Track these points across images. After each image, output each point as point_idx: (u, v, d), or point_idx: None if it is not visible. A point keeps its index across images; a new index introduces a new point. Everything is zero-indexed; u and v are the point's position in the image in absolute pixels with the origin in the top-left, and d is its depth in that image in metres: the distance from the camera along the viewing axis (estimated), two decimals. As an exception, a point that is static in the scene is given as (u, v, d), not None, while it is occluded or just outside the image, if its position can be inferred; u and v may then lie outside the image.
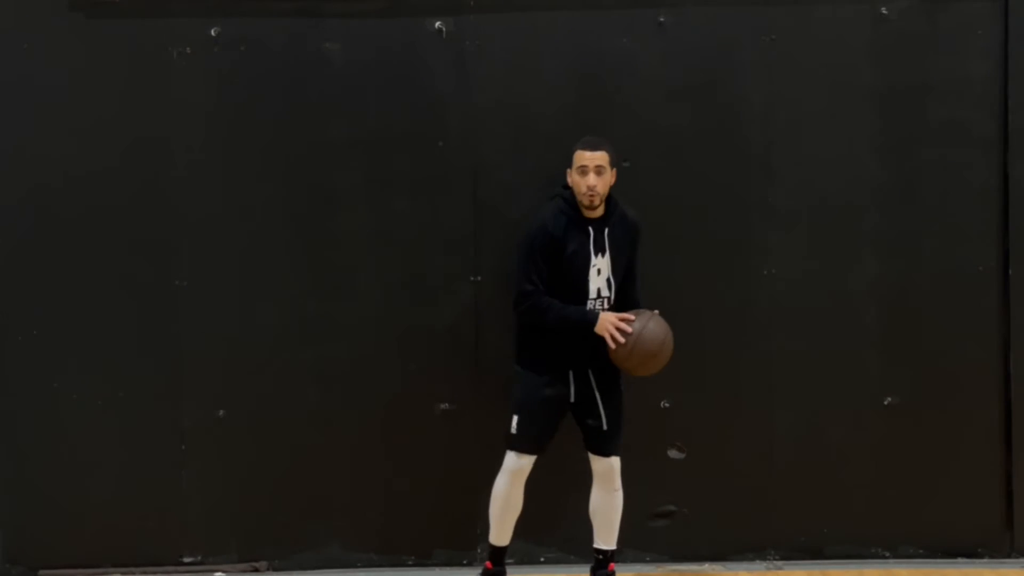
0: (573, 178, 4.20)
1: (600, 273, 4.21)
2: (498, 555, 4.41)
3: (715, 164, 4.70)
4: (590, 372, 4.24)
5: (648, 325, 4.11)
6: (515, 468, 4.24)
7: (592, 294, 4.20)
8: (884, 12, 4.68)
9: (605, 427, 4.24)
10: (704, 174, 4.70)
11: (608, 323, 4.10)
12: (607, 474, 4.29)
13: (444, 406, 4.70)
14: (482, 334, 4.66)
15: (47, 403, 4.69)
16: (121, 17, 4.66)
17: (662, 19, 4.68)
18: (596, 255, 4.20)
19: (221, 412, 4.70)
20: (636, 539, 4.73)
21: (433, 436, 4.69)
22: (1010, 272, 4.70)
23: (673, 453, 4.75)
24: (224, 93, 4.67)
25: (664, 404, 4.72)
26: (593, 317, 4.13)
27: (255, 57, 4.67)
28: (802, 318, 4.71)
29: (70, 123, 4.66)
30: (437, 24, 4.67)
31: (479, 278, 4.68)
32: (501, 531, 4.36)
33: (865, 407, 4.72)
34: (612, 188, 4.23)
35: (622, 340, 4.07)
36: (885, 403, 4.72)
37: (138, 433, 4.70)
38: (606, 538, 4.36)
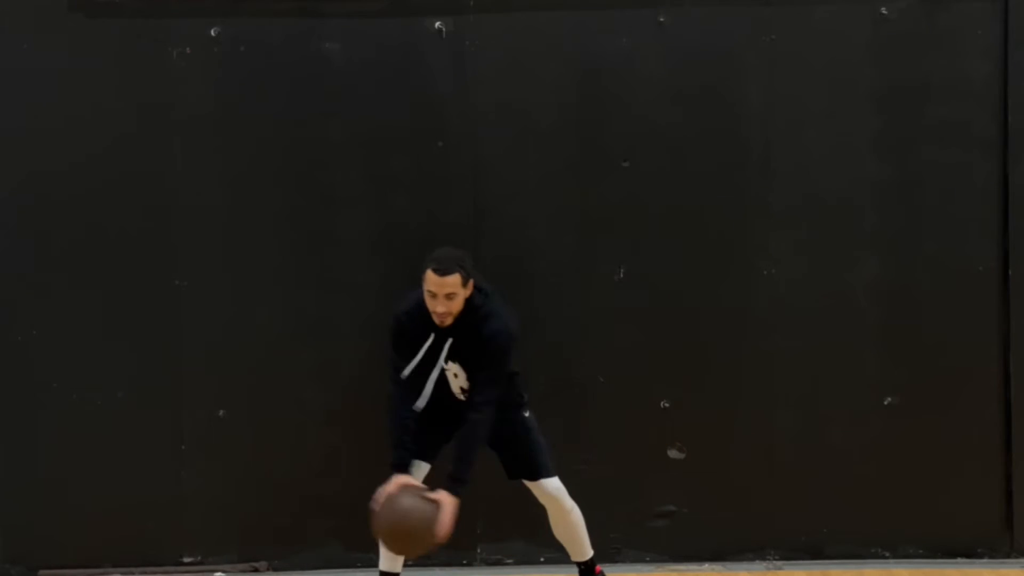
0: (426, 298, 3.87)
1: (457, 376, 3.99)
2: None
3: (715, 164, 4.70)
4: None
5: (403, 503, 3.78)
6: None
7: (457, 393, 4.01)
8: (884, 12, 4.68)
9: (506, 468, 4.10)
10: (704, 174, 4.70)
11: (386, 488, 3.86)
12: (546, 498, 4.11)
13: (444, 406, 4.70)
14: (482, 334, 4.66)
15: (47, 403, 4.69)
16: (121, 17, 4.66)
17: (662, 19, 4.68)
18: (447, 361, 3.95)
19: (221, 412, 4.70)
20: (636, 539, 4.73)
21: (433, 436, 4.69)
22: (1010, 272, 4.70)
23: (673, 453, 4.75)
24: (224, 93, 4.68)
25: (664, 404, 4.72)
26: (395, 466, 3.92)
27: (255, 57, 4.67)
28: (802, 318, 4.71)
29: (70, 123, 4.66)
30: (437, 24, 4.67)
31: (479, 278, 4.68)
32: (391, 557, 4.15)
33: (865, 407, 4.72)
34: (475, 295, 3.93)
35: (381, 503, 3.83)
36: (885, 403, 4.72)
37: (138, 433, 4.70)
38: (578, 553, 4.24)
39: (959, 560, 4.73)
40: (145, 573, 4.71)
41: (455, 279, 3.81)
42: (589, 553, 4.25)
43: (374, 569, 4.72)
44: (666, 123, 4.69)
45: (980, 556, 4.74)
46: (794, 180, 4.70)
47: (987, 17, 4.68)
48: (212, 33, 4.66)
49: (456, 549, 4.72)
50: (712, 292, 4.71)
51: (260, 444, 4.71)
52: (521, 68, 4.69)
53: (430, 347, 3.93)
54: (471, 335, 3.90)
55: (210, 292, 4.69)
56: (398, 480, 3.89)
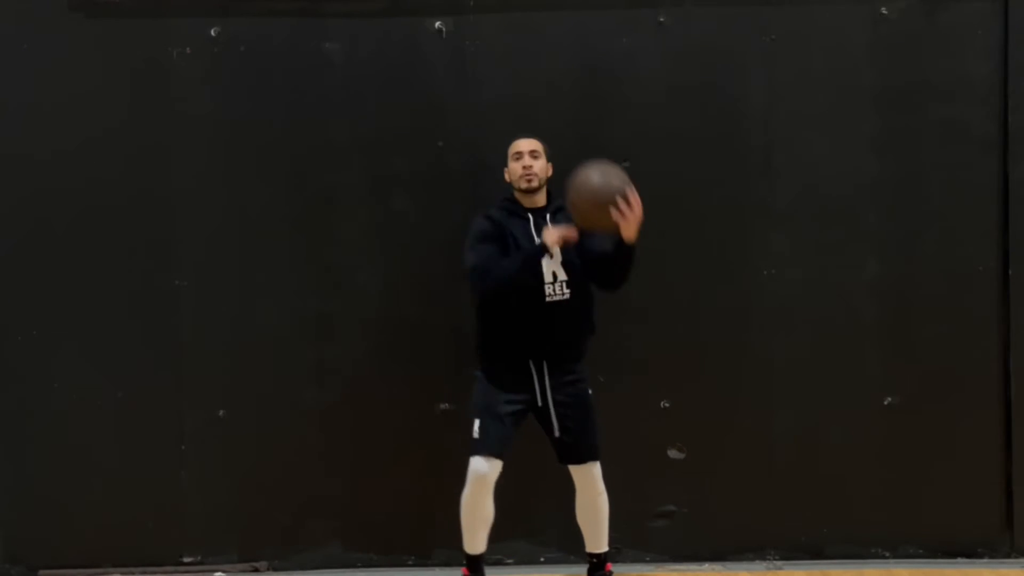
0: (510, 168, 4.23)
1: (553, 257, 4.10)
2: (474, 563, 4.28)
3: (715, 164, 4.70)
4: (547, 380, 4.14)
5: (589, 175, 3.94)
6: (476, 474, 4.09)
7: (548, 278, 4.10)
8: (884, 12, 4.68)
9: (557, 434, 4.16)
10: (704, 174, 4.70)
11: (553, 233, 4.03)
12: (584, 480, 4.20)
13: (444, 406, 4.70)
14: (482, 334, 4.65)
15: (47, 403, 4.69)
16: (121, 17, 4.66)
17: (662, 19, 4.68)
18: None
19: (221, 412, 4.71)
20: (636, 539, 4.73)
21: (433, 436, 4.69)
22: (1010, 272, 4.70)
23: (673, 453, 4.75)
24: (224, 93, 4.68)
25: (664, 404, 4.72)
26: (538, 245, 4.06)
27: (255, 57, 4.67)
28: (802, 318, 4.71)
29: (70, 123, 4.66)
30: (437, 24, 4.67)
31: (479, 278, 4.67)
32: (472, 539, 4.22)
33: (865, 407, 4.72)
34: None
35: (574, 233, 4.01)
36: (885, 403, 4.72)
37: (138, 433, 4.70)
38: (596, 543, 4.30)
39: (959, 560, 4.73)
40: (145, 573, 4.71)
41: (536, 141, 4.23)
42: (606, 546, 4.30)
43: (374, 569, 4.74)
44: (666, 123, 4.69)
45: (980, 556, 4.74)
46: (794, 180, 4.70)
47: (987, 17, 4.68)
48: (212, 33, 4.66)
49: (456, 549, 4.71)
50: (712, 292, 4.71)
51: (260, 444, 4.71)
52: (521, 68, 4.69)
53: (525, 231, 4.14)
54: (563, 217, 4.14)
55: (210, 292, 4.69)
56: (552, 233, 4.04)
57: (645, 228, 4.65)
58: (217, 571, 4.73)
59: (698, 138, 4.70)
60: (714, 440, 4.72)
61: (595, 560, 4.33)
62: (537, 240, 4.11)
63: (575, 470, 4.20)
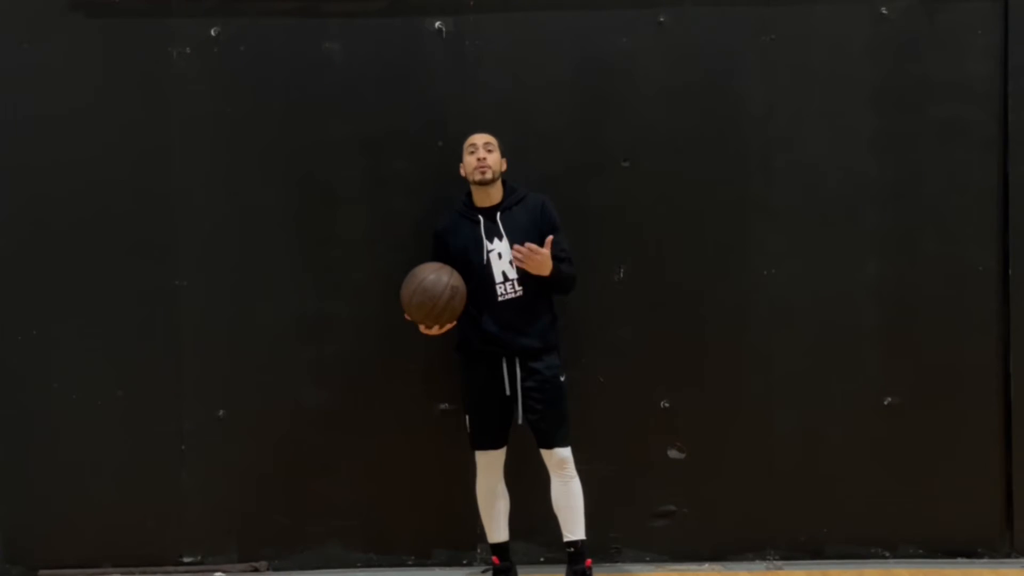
0: (465, 163, 4.32)
1: (501, 257, 4.25)
2: (501, 551, 4.45)
3: (715, 164, 4.70)
4: (516, 370, 4.26)
5: (415, 276, 4.17)
6: (483, 465, 4.34)
7: (498, 278, 4.25)
8: (884, 12, 4.68)
9: (520, 420, 4.27)
10: (704, 174, 4.70)
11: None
12: (557, 465, 4.28)
13: (444, 406, 4.70)
14: (482, 334, 4.65)
15: (47, 403, 4.69)
16: (121, 17, 4.66)
17: (662, 19, 4.68)
18: (490, 240, 4.26)
19: (221, 412, 4.71)
20: (636, 539, 4.73)
21: (433, 436, 4.69)
22: (1010, 272, 4.70)
23: (673, 453, 4.75)
24: (224, 93, 4.68)
25: (664, 404, 4.72)
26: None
27: (255, 57, 4.67)
28: (802, 318, 4.71)
29: (70, 122, 4.66)
30: (437, 24, 4.67)
31: (479, 278, 4.68)
32: (492, 529, 4.41)
33: (865, 407, 4.72)
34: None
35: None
36: (885, 403, 4.72)
37: (138, 433, 4.70)
38: (571, 528, 4.32)
39: (959, 560, 4.73)
40: (145, 573, 4.71)
41: (491, 137, 4.32)
42: (583, 534, 4.31)
43: (374, 569, 4.74)
44: (666, 123, 4.69)
45: (980, 556, 4.74)
46: (794, 180, 4.70)
47: (987, 17, 4.68)
48: (212, 33, 4.66)
49: (456, 549, 4.72)
50: (712, 292, 4.71)
51: (260, 444, 4.71)
52: (521, 68, 4.69)
53: (474, 231, 4.26)
54: (520, 206, 4.31)
55: (210, 292, 4.70)
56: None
57: (645, 228, 4.67)
58: (217, 571, 4.73)
59: (698, 138, 4.70)
60: (714, 440, 4.72)
61: (572, 549, 4.32)
62: (485, 243, 4.25)
63: (545, 455, 4.30)
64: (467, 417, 4.35)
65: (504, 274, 4.25)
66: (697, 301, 4.70)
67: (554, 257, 4.20)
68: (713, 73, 4.69)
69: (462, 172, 4.36)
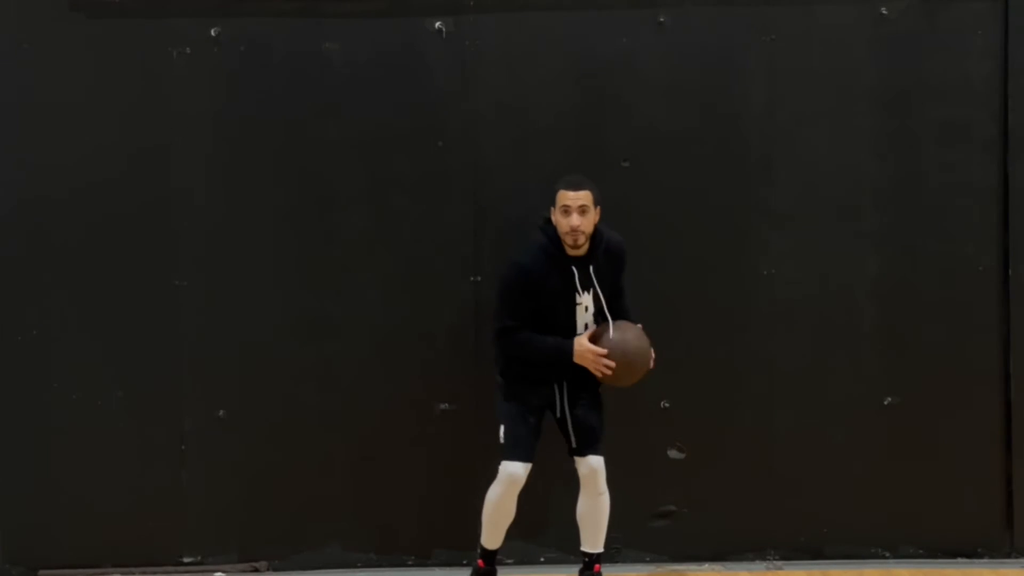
0: (556, 217, 4.12)
1: (587, 310, 4.17)
2: (490, 556, 4.40)
3: (715, 164, 4.70)
4: (567, 396, 4.22)
5: (625, 337, 4.08)
6: (510, 477, 4.17)
7: (580, 329, 4.18)
8: (884, 12, 4.68)
9: (574, 444, 4.24)
10: (704, 174, 4.70)
11: (587, 353, 4.07)
12: (589, 476, 4.23)
13: (444, 406, 4.70)
14: (482, 334, 4.65)
15: (47, 403, 4.69)
16: (121, 17, 4.66)
17: (662, 19, 4.68)
18: (582, 293, 4.16)
19: (221, 412, 4.70)
20: (636, 539, 4.73)
21: (433, 436, 4.69)
22: (1010, 272, 4.70)
23: (673, 453, 4.75)
24: (224, 93, 4.68)
25: (664, 404, 4.72)
26: (569, 348, 4.09)
27: (255, 57, 4.67)
28: (802, 318, 4.71)
29: (70, 122, 4.66)
30: (437, 24, 4.67)
31: (479, 278, 4.68)
32: (494, 536, 4.32)
33: (865, 407, 4.72)
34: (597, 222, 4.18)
35: (608, 370, 4.06)
36: (885, 403, 4.72)
37: (138, 433, 4.70)
38: (592, 542, 4.31)
39: (959, 560, 4.73)
40: (145, 573, 4.71)
41: (587, 193, 4.08)
42: (601, 547, 4.31)
43: (374, 569, 4.74)
44: (666, 123, 4.69)
45: (980, 556, 4.74)
46: (794, 180, 4.70)
47: (987, 17, 4.68)
48: (212, 33, 4.66)
49: (456, 549, 4.72)
50: (712, 292, 4.71)
51: (260, 444, 4.71)
52: (521, 68, 4.69)
53: (566, 281, 4.11)
54: (605, 255, 4.17)
55: (210, 292, 4.69)
56: (589, 336, 4.09)
57: (645, 228, 4.67)
58: (217, 571, 4.73)
59: (698, 138, 4.69)
60: (714, 440, 4.72)
61: (587, 560, 4.33)
62: (577, 296, 4.13)
63: (578, 463, 4.25)
64: (503, 427, 4.21)
65: (586, 325, 4.19)
66: (697, 301, 4.70)
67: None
68: (713, 73, 4.69)
69: (552, 218, 4.15)
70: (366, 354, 4.70)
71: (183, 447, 4.71)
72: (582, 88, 4.69)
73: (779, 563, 4.73)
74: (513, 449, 4.19)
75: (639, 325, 4.18)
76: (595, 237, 4.17)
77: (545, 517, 4.60)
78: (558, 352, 4.11)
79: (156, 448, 4.70)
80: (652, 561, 4.75)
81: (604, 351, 4.05)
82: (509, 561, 4.68)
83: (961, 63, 4.68)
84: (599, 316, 4.18)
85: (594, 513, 4.28)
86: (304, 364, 4.71)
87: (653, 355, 4.19)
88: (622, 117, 4.68)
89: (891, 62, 4.68)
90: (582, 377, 4.19)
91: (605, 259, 4.19)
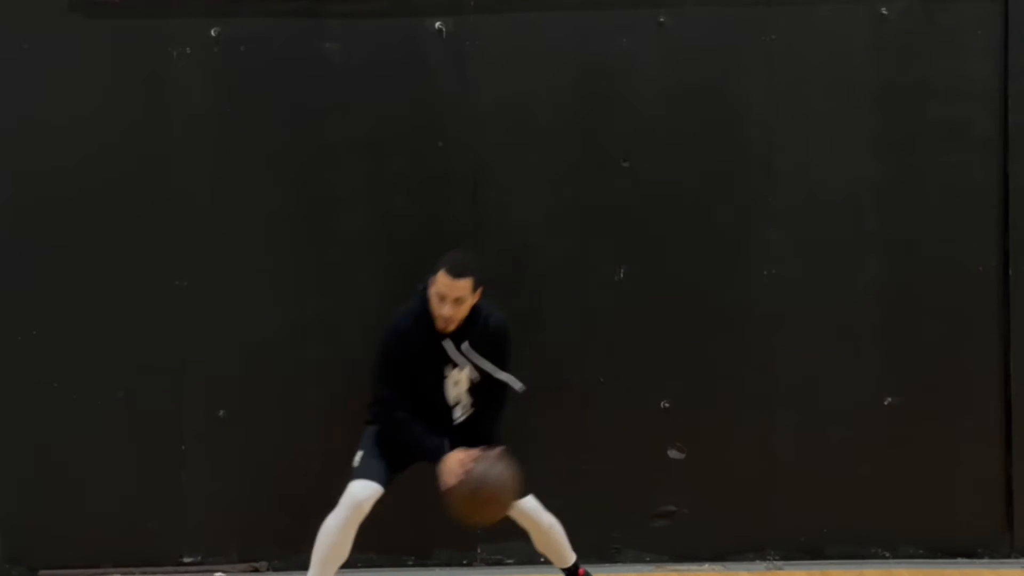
0: (432, 300, 3.84)
1: (458, 384, 3.96)
2: None
3: (715, 164, 4.70)
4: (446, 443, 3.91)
5: (494, 469, 3.73)
6: (351, 497, 3.88)
7: (452, 402, 3.98)
8: (884, 12, 4.68)
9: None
10: (704, 174, 4.70)
11: (452, 465, 3.77)
12: (525, 519, 4.05)
13: (444, 406, 4.70)
14: (482, 334, 4.65)
15: (47, 403, 4.69)
16: (121, 17, 4.66)
17: (662, 19, 4.68)
18: (452, 368, 3.93)
19: (221, 412, 4.71)
20: (636, 539, 4.73)
21: (433, 436, 4.69)
22: (1010, 272, 4.70)
23: (673, 453, 4.75)
24: (224, 93, 4.68)
25: (664, 404, 4.72)
26: (437, 455, 3.81)
27: (255, 57, 4.67)
28: (802, 318, 4.71)
29: (70, 123, 4.66)
30: (437, 24, 4.67)
31: (479, 278, 4.68)
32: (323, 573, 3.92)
33: (865, 407, 4.72)
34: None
35: (455, 482, 3.73)
36: (885, 403, 4.72)
37: (138, 433, 4.70)
38: (563, 561, 4.19)
39: (959, 560, 4.73)
40: (145, 573, 4.71)
41: (466, 283, 3.81)
42: (572, 558, 4.20)
43: (374, 569, 4.74)
44: (666, 123, 4.69)
45: (980, 556, 4.74)
46: (794, 180, 4.70)
47: (987, 17, 4.68)
48: (212, 33, 4.66)
49: (456, 549, 4.72)
50: (712, 292, 4.71)
51: (260, 444, 4.71)
52: (521, 68, 4.69)
53: (436, 355, 3.91)
54: (479, 336, 3.91)
55: (210, 292, 4.69)
56: (466, 455, 3.77)
57: (645, 228, 4.67)
58: (217, 571, 4.73)
59: (698, 138, 4.69)
60: (714, 440, 4.72)
61: (567, 572, 4.23)
62: (446, 369, 3.90)
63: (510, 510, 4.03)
64: (360, 454, 3.99)
65: (458, 400, 3.98)
66: (697, 301, 4.70)
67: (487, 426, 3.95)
68: (713, 73, 4.69)
69: (430, 289, 3.86)
70: (366, 354, 4.68)
71: (183, 447, 4.72)
72: (582, 88, 4.68)
73: (779, 563, 4.73)
74: (363, 469, 3.92)
75: (508, 472, 3.78)
76: (472, 315, 3.90)
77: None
78: (425, 453, 3.87)
79: (156, 448, 4.71)
80: (652, 561, 4.75)
81: (462, 477, 3.73)
82: (509, 561, 4.69)
83: (961, 63, 4.68)
84: (475, 394, 3.98)
85: (551, 543, 4.14)
86: (304, 364, 4.71)
87: (505, 503, 3.79)
88: (622, 117, 4.68)
89: (891, 62, 4.68)
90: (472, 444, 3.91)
91: (482, 337, 3.92)
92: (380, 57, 4.68)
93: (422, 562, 4.76)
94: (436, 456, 3.83)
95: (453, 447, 3.86)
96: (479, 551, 4.72)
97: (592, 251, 4.67)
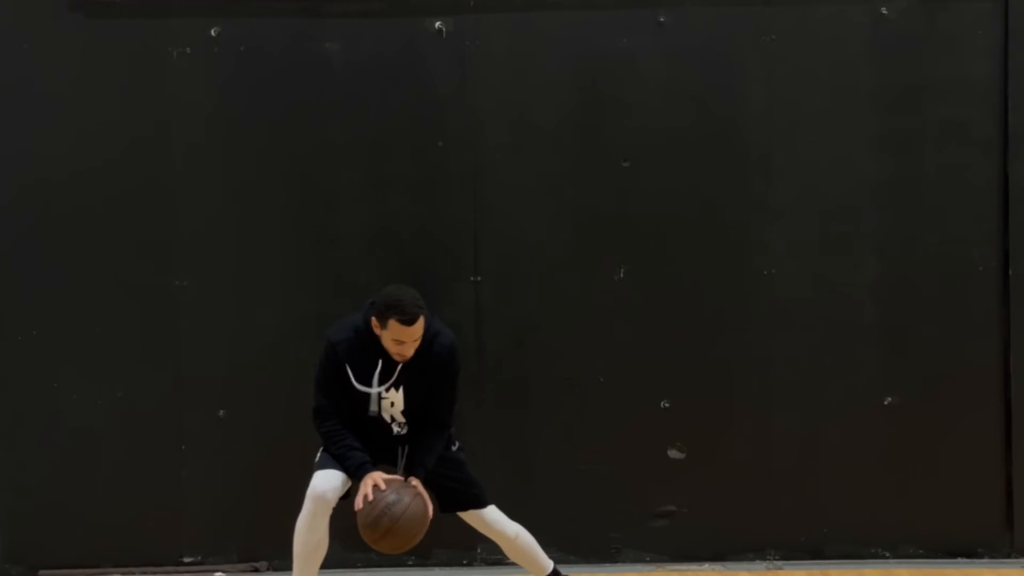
0: (384, 339, 3.77)
1: (393, 405, 3.90)
2: None
3: (715, 164, 4.70)
4: (403, 451, 3.94)
5: (401, 502, 3.66)
6: (313, 491, 3.80)
7: (388, 420, 3.92)
8: (884, 12, 4.68)
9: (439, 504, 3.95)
10: (704, 174, 4.70)
11: (368, 485, 3.70)
12: (488, 530, 4.04)
13: (444, 406, 4.69)
14: (482, 334, 4.66)
15: (47, 403, 4.69)
16: (121, 17, 4.66)
17: (662, 19, 4.68)
18: (388, 389, 3.87)
19: (221, 412, 4.71)
20: (636, 539, 4.73)
21: (433, 436, 4.68)
22: (1010, 272, 4.70)
23: (673, 453, 4.75)
24: (224, 93, 4.68)
25: (664, 404, 4.72)
26: (359, 474, 3.76)
27: (255, 57, 4.67)
28: (802, 318, 4.71)
29: (70, 123, 4.67)
30: (437, 24, 4.67)
31: (479, 278, 4.68)
32: (304, 573, 3.94)
33: (865, 407, 4.72)
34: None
35: (362, 504, 3.67)
36: (885, 403, 4.72)
37: (138, 433, 4.70)
38: (539, 570, 4.16)
39: (959, 560, 4.73)
40: (145, 573, 4.71)
41: (420, 323, 3.74)
42: (549, 566, 4.16)
43: (374, 569, 4.74)
44: (666, 123, 4.69)
45: (980, 556, 4.74)
46: (794, 180, 4.70)
47: (987, 17, 4.68)
48: (212, 33, 4.66)
49: (456, 549, 4.72)
50: (712, 292, 4.70)
51: (260, 444, 4.71)
52: (521, 68, 4.69)
53: (373, 375, 3.85)
54: (424, 353, 3.83)
55: (210, 292, 4.69)
56: (384, 479, 3.75)
57: (645, 228, 4.67)
58: (217, 571, 4.73)
59: (698, 138, 4.69)
60: (714, 440, 4.72)
61: None
62: (376, 382, 3.83)
63: (472, 521, 4.05)
64: (321, 453, 3.95)
65: (393, 418, 3.92)
66: (697, 301, 4.70)
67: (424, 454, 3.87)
68: (713, 73, 4.69)
69: (375, 328, 3.78)
70: (366, 354, 4.70)
71: (183, 447, 4.72)
72: (582, 88, 4.69)
73: (779, 563, 4.73)
74: (323, 462, 3.89)
75: (428, 509, 3.75)
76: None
77: (545, 517, 4.60)
78: (349, 467, 3.81)
79: (156, 448, 4.70)
80: (652, 561, 4.75)
81: (378, 488, 3.69)
82: (509, 561, 4.68)
83: (961, 63, 4.68)
84: (410, 415, 3.92)
85: (521, 552, 4.11)
86: (304, 364, 4.70)
87: (410, 537, 3.72)
88: (622, 117, 4.68)
89: (891, 62, 4.68)
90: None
91: (424, 357, 3.83)
92: (380, 57, 4.68)
93: (422, 562, 4.76)
94: (357, 474, 3.77)
95: (393, 459, 3.86)
96: (479, 551, 4.72)
97: (592, 251, 4.67)
